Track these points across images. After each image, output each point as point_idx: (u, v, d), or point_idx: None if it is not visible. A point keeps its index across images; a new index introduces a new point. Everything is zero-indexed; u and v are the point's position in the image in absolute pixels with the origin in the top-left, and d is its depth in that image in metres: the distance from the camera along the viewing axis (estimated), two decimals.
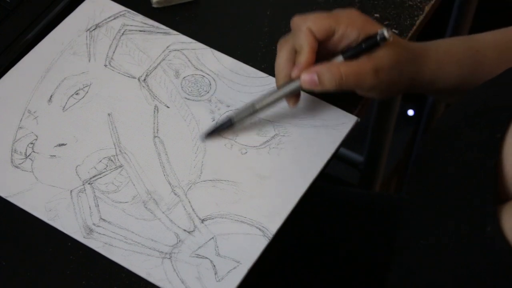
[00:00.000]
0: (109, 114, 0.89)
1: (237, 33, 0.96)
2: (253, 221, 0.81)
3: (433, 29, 0.95)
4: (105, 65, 0.93)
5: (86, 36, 0.95)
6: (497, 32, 0.90)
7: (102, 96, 0.90)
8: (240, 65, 0.92)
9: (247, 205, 0.83)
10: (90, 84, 0.91)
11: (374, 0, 0.98)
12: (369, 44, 0.83)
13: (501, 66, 0.82)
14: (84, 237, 0.81)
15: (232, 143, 0.87)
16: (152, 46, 0.94)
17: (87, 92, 0.91)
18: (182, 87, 0.91)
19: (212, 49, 0.94)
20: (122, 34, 0.95)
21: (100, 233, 0.81)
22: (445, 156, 0.73)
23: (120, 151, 0.86)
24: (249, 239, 0.80)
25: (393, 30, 0.96)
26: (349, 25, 0.84)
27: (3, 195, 0.83)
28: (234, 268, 0.79)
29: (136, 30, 0.95)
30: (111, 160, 0.86)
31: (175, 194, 0.83)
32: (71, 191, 0.83)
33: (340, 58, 0.84)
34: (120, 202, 0.83)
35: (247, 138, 0.87)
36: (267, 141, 0.87)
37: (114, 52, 0.94)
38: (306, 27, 0.83)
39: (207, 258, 0.79)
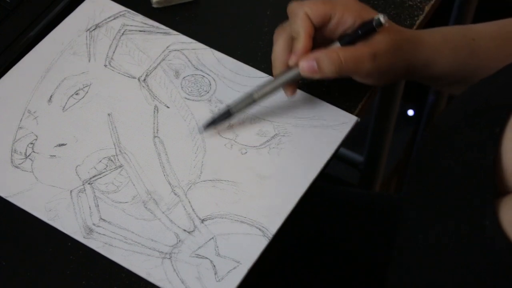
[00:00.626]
0: (109, 114, 0.89)
1: (237, 33, 0.96)
2: (253, 221, 0.81)
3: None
4: (105, 65, 0.93)
5: (86, 36, 0.95)
6: (494, 23, 0.90)
7: (102, 96, 0.90)
8: (240, 65, 0.92)
9: (247, 205, 0.83)
10: (90, 84, 0.91)
11: (374, 0, 0.98)
12: (366, 30, 0.84)
13: (497, 57, 0.82)
14: (84, 237, 0.81)
15: (232, 143, 0.87)
16: (152, 46, 0.94)
17: (87, 92, 0.91)
18: (182, 87, 0.91)
19: (212, 49, 0.94)
20: (122, 34, 0.95)
21: (100, 233, 0.81)
22: (445, 156, 0.73)
23: (120, 151, 0.86)
24: (249, 239, 0.80)
25: None
26: (345, 11, 0.84)
27: (3, 195, 0.83)
28: (234, 268, 0.79)
29: (136, 30, 0.95)
30: (111, 160, 0.86)
31: (175, 194, 0.83)
32: (71, 191, 0.83)
33: (337, 45, 0.84)
34: (120, 202, 0.83)
35: (247, 138, 0.87)
36: (267, 141, 0.87)
37: (114, 52, 0.94)
38: (303, 12, 0.83)
39: (207, 258, 0.79)
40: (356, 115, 0.89)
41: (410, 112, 1.78)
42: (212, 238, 0.81)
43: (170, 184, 0.84)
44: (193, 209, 0.82)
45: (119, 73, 0.92)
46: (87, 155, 0.86)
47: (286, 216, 0.82)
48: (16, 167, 0.85)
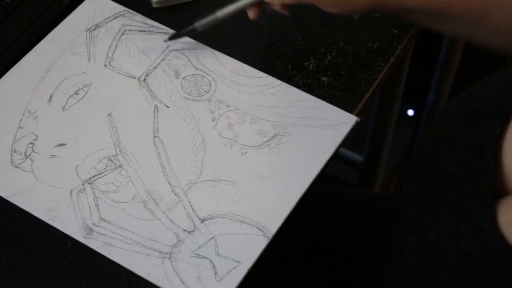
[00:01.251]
0: (109, 114, 0.89)
1: (237, 33, 0.96)
2: (253, 221, 0.82)
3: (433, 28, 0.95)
4: (105, 65, 0.93)
5: (86, 36, 0.95)
6: None
7: (102, 96, 0.90)
8: (240, 65, 0.92)
9: (247, 205, 0.83)
10: (90, 84, 0.91)
11: None
12: None
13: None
14: (84, 237, 0.81)
15: (232, 143, 0.87)
16: (152, 46, 0.94)
17: (87, 92, 0.91)
18: (182, 87, 0.91)
19: (212, 49, 0.94)
20: (122, 34, 0.95)
21: (100, 233, 0.81)
22: (444, 156, 0.73)
23: (120, 151, 0.86)
24: (249, 239, 0.80)
25: (393, 30, 0.96)
26: None
27: (3, 195, 0.83)
28: (234, 268, 0.79)
29: (136, 30, 0.95)
30: (111, 160, 0.86)
31: (175, 194, 0.83)
32: (71, 191, 0.84)
33: None
34: (120, 202, 0.83)
35: (247, 138, 0.87)
36: (267, 141, 0.87)
37: (114, 52, 0.94)
38: None
39: (207, 258, 0.79)
40: (356, 115, 0.89)
41: (410, 112, 1.78)
42: (212, 238, 0.81)
43: (170, 184, 0.84)
44: (193, 209, 0.82)
45: (119, 73, 0.92)
46: (87, 155, 0.86)
47: (286, 216, 0.82)
48: (16, 167, 0.85)
